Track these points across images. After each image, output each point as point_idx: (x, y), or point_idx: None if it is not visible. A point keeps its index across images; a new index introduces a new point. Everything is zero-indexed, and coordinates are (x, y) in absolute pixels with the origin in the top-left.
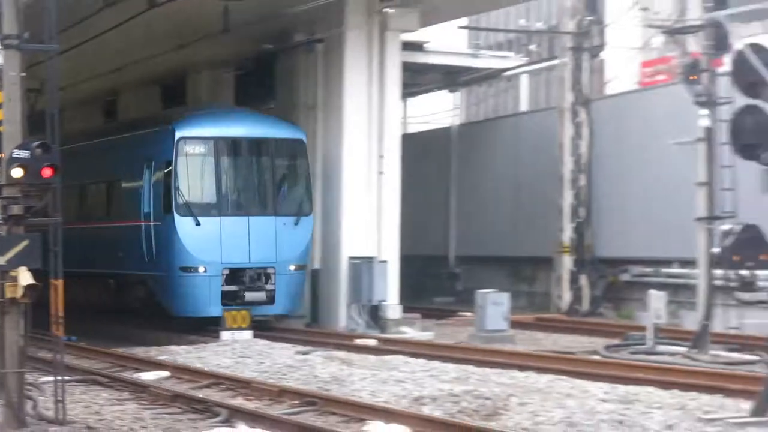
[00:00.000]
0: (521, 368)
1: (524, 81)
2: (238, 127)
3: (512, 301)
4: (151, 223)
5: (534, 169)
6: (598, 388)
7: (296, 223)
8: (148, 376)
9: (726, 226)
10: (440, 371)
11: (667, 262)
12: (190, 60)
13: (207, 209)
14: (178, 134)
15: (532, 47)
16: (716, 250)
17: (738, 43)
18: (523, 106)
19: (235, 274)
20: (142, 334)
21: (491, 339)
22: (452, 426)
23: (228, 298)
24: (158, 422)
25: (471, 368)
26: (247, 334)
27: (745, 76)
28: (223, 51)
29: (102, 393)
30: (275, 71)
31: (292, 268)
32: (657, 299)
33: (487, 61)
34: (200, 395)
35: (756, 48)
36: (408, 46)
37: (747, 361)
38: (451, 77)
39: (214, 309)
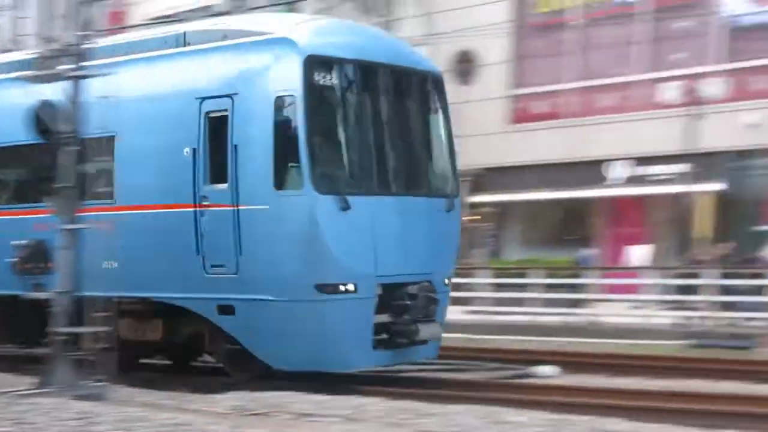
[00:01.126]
0: None
1: None
2: (378, 48)
3: None
4: (237, 208)
5: None
6: None
7: (449, 210)
8: None
9: (22, 242)
10: None
11: None
12: None
13: (353, 184)
14: (305, 51)
15: None
16: (13, 260)
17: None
18: None
19: (389, 295)
20: None
21: None
22: None
23: (383, 336)
24: None
25: None
26: None
27: (40, 125)
28: None
29: None
30: None
31: (447, 282)
32: None
33: None
34: None
35: (46, 104)
36: None
37: None
38: None
39: (362, 356)
